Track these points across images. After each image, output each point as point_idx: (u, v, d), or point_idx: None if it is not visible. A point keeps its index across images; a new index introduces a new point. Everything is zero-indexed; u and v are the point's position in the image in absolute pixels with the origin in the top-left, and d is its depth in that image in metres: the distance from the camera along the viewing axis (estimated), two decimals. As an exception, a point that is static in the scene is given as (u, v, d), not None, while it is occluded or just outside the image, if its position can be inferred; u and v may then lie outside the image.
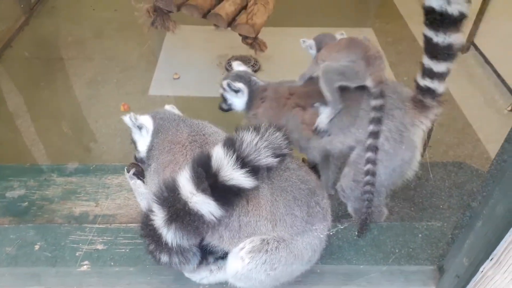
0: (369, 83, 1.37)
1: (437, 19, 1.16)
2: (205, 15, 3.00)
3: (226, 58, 3.94)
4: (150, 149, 1.23)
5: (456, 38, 1.20)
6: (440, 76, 1.31)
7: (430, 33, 1.21)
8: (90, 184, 1.76)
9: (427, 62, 1.28)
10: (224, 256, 1.27)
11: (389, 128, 1.37)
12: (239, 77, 1.68)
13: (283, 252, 1.08)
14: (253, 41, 3.05)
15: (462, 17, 1.15)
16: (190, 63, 3.98)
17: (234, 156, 1.01)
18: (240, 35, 3.05)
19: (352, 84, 1.41)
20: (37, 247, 1.35)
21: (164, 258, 1.10)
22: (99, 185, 1.76)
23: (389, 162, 1.38)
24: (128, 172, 1.33)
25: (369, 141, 1.36)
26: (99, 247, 1.36)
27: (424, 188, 2.20)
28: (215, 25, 3.38)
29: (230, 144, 1.03)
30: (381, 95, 1.35)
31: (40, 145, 3.11)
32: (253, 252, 1.06)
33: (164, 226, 1.04)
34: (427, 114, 1.40)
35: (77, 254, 1.34)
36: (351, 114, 1.44)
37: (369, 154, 1.36)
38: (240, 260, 1.07)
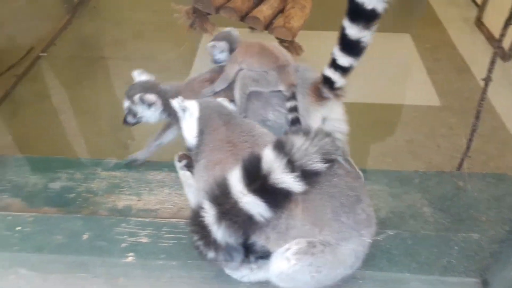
0: (281, 88, 1.47)
1: (354, 9, 1.17)
2: (242, 17, 3.05)
3: (261, 61, 3.95)
4: (199, 145, 1.26)
5: (366, 36, 1.21)
6: (342, 70, 1.32)
7: (346, 23, 1.22)
8: (133, 179, 1.81)
9: (336, 52, 1.29)
10: (264, 255, 1.29)
11: (277, 117, 1.49)
12: (149, 88, 1.60)
13: (328, 256, 1.09)
14: (289, 45, 3.07)
15: (373, 14, 1.15)
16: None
17: (285, 160, 1.03)
18: (276, 38, 3.08)
19: (266, 90, 1.49)
20: (85, 237, 1.41)
21: (211, 254, 1.13)
22: (142, 180, 1.81)
23: None
24: (180, 162, 1.36)
25: None
26: (143, 240, 1.41)
27: (461, 199, 2.14)
28: (250, 27, 3.42)
29: (281, 147, 1.05)
30: (293, 97, 1.44)
31: (81, 139, 3.24)
32: (299, 253, 1.07)
33: (215, 223, 1.07)
34: (322, 103, 1.42)
35: (122, 246, 1.39)
36: (260, 98, 1.51)
37: None
38: (285, 261, 1.09)
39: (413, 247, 1.47)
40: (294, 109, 1.43)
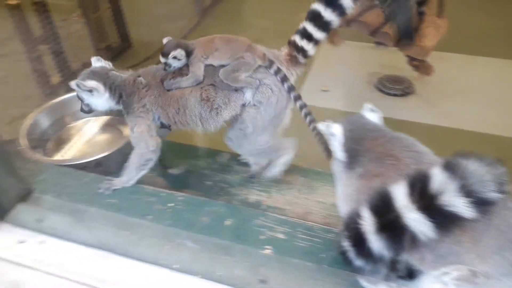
0: (260, 63, 1.67)
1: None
2: (373, 32, 3.03)
3: (378, 77, 3.91)
4: (354, 155, 1.29)
5: (336, 20, 1.60)
6: (316, 42, 1.67)
7: (319, 7, 1.59)
8: (263, 177, 1.91)
9: (310, 28, 1.63)
10: (404, 275, 1.28)
11: (273, 82, 1.68)
12: (93, 74, 1.61)
13: (489, 288, 1.05)
14: (420, 64, 2.98)
15: (342, 10, 1.57)
16: (340, 78, 4.04)
17: (458, 183, 1.01)
18: (407, 56, 3.01)
19: (249, 72, 1.66)
20: (227, 222, 1.52)
21: (359, 262, 1.15)
22: (272, 179, 1.90)
23: (273, 109, 1.71)
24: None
25: (297, 103, 1.70)
26: (280, 236, 1.48)
27: None
28: (377, 42, 3.37)
29: (453, 169, 1.03)
30: (271, 63, 1.67)
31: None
32: (460, 280, 1.05)
33: (374, 233, 1.09)
34: (296, 67, 1.74)
35: (261, 238, 1.47)
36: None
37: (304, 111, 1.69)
38: (441, 285, 1.07)
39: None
40: (278, 72, 1.67)
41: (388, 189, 1.10)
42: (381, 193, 1.10)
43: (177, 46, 1.61)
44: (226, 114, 1.70)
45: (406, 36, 2.84)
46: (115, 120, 2.15)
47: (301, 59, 1.72)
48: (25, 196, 1.52)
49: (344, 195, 1.30)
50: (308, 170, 1.95)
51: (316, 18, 1.62)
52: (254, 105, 1.69)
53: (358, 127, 1.34)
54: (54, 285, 1.29)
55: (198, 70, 1.65)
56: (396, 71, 3.79)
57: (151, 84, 1.67)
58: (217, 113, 1.69)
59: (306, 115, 1.69)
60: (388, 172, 1.19)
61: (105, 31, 4.10)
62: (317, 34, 1.64)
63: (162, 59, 1.62)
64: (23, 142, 1.82)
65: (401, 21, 2.75)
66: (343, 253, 1.19)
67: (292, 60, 1.72)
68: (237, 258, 1.42)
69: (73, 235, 1.40)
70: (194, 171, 1.98)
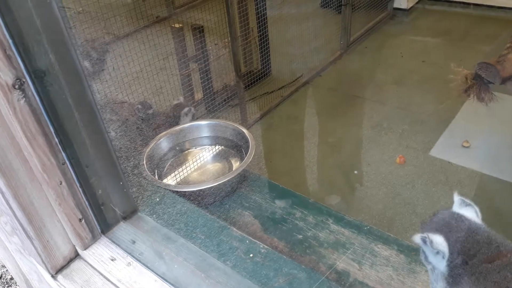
0: None
1: None
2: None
3: (539, 141, 3.26)
4: (455, 275, 1.04)
5: None
6: None
7: None
8: (360, 245, 1.74)
9: None
10: None
11: None
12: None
13: None
14: None
15: None
16: (486, 135, 3.51)
17: None
18: None
19: None
20: (304, 292, 1.42)
21: None
22: (367, 249, 1.71)
23: None
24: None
25: None
26: (357, 324, 1.31)
27: None
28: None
29: None
30: None
31: (314, 167, 3.42)
32: None
33: None
34: None
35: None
36: None
37: None
38: None
39: None
40: None
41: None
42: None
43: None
44: None
45: None
46: (228, 152, 2.24)
47: None
48: (130, 214, 1.68)
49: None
50: (412, 248, 1.70)
51: None
52: None
53: (466, 237, 1.06)
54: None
55: None
56: None
57: None
58: None
59: None
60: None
61: (249, 58, 4.38)
62: None
63: None
64: (144, 162, 2.03)
65: None
66: None
67: None
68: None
69: (155, 265, 1.48)
70: (288, 220, 1.92)
